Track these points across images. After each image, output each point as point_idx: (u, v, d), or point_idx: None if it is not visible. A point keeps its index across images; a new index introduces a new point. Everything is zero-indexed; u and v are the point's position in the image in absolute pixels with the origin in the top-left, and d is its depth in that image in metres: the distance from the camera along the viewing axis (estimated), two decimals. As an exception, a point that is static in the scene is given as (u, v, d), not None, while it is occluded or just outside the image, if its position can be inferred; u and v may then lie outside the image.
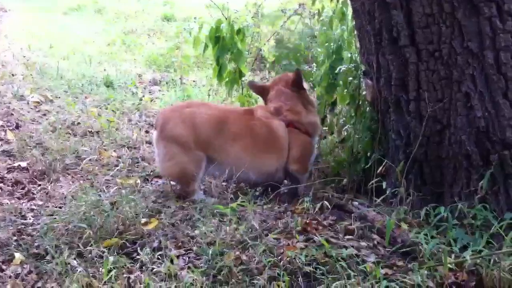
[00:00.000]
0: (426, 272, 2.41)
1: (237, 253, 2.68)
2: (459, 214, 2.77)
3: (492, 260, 2.38)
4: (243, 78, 4.88)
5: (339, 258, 2.58)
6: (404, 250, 2.63)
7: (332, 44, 4.29)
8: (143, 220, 3.02)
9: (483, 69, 2.82)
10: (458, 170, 2.96)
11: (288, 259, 2.63)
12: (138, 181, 3.67)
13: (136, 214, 3.04)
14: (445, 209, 2.77)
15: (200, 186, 3.58)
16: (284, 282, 2.45)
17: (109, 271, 2.50)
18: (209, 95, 6.60)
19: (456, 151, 2.94)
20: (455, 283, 2.36)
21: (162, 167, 3.56)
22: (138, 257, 2.68)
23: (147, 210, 3.18)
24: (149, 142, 4.76)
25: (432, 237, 2.64)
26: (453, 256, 2.53)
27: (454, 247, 2.56)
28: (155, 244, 2.80)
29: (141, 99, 6.25)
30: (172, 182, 3.55)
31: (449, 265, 2.40)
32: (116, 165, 4.07)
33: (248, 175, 3.50)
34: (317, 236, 2.71)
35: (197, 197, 3.41)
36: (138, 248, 2.76)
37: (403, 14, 2.99)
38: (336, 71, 4.22)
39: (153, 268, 2.56)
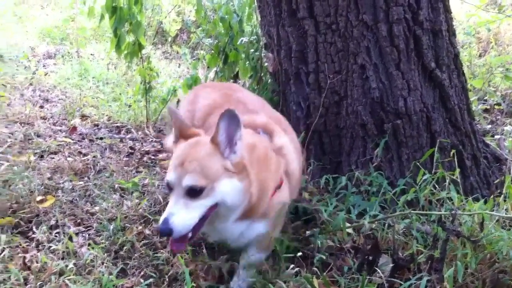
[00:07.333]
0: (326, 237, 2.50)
1: (140, 227, 2.63)
2: (356, 182, 2.88)
3: (386, 224, 2.50)
4: (143, 51, 4.72)
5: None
6: (306, 217, 2.68)
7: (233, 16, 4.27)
8: (39, 198, 2.87)
9: (377, 41, 2.92)
10: (355, 140, 3.06)
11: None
12: (32, 157, 3.47)
13: (31, 192, 2.89)
14: (344, 177, 2.88)
15: None
16: (188, 253, 2.43)
17: (3, 250, 2.37)
18: (108, 68, 6.37)
19: (353, 121, 3.04)
20: (353, 246, 2.45)
21: None
22: (34, 236, 2.56)
23: (42, 187, 3.02)
24: (44, 118, 4.52)
25: (335, 206, 2.72)
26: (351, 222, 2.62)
27: (352, 213, 2.66)
28: (52, 222, 2.68)
29: (34, 73, 5.90)
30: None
31: (347, 230, 2.49)
32: (8, 142, 3.83)
33: None
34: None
35: None
36: (34, 227, 2.63)
37: (302, -14, 3.01)
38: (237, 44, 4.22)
39: (50, 247, 2.46)
